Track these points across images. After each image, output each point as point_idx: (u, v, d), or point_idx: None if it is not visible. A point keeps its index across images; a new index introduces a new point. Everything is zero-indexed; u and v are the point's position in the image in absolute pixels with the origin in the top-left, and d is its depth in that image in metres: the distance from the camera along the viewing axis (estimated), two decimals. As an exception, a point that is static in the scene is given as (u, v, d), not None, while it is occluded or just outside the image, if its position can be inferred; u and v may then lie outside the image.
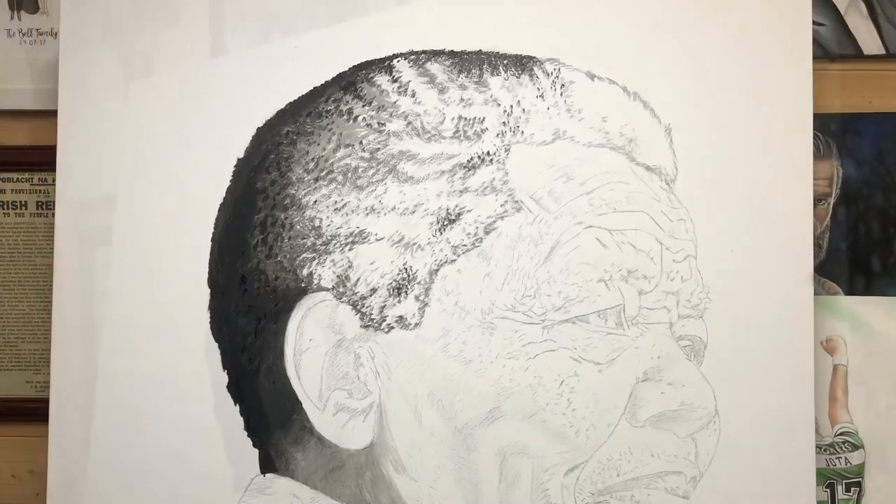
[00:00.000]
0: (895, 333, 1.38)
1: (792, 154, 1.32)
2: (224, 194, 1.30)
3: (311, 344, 1.21)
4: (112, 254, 1.32)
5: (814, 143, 1.33)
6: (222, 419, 1.29)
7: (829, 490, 1.37)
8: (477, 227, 1.20)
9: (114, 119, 1.34)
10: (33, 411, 1.39)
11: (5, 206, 1.43)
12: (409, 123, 1.23)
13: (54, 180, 1.33)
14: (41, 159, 1.39)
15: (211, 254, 1.30)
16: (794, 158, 1.32)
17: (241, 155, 1.30)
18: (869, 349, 1.38)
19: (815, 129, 1.33)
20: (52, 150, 1.34)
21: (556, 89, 1.27)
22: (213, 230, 1.30)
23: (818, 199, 1.37)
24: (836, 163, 1.39)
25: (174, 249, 1.31)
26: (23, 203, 1.43)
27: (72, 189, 1.33)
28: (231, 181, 1.30)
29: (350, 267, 1.21)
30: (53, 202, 1.35)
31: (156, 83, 1.34)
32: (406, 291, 1.19)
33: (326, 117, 1.26)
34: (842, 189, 1.39)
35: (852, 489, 1.37)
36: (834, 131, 1.39)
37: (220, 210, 1.30)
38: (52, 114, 1.35)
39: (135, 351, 1.31)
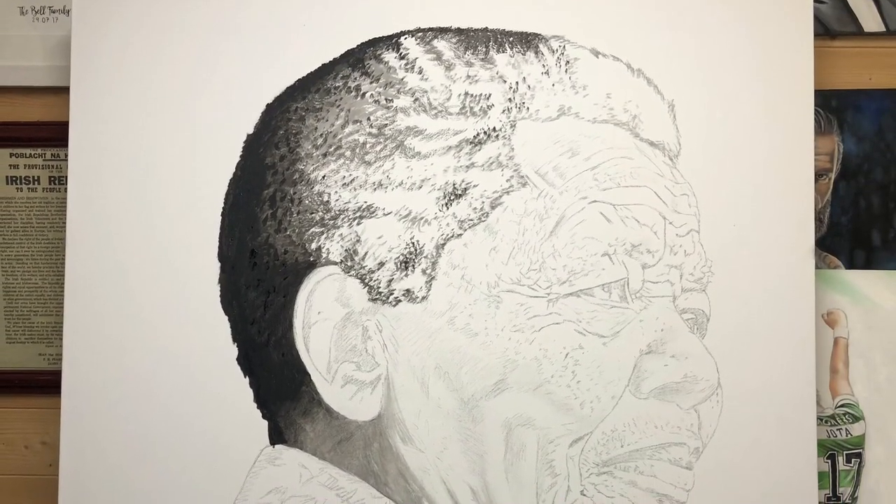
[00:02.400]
0: (894, 306, 1.39)
1: (793, 130, 1.33)
2: (234, 169, 1.31)
3: (320, 317, 1.22)
4: (123, 228, 1.33)
5: (815, 119, 1.34)
6: (232, 392, 1.29)
7: (830, 461, 1.38)
8: (483, 202, 1.22)
9: (124, 95, 1.34)
10: (46, 383, 1.40)
11: (18, 182, 1.44)
12: (416, 100, 1.25)
13: (66, 156, 1.34)
14: (53, 135, 1.40)
15: (221, 228, 1.31)
16: (796, 134, 1.33)
17: (251, 131, 1.31)
18: (869, 322, 1.39)
19: (816, 105, 1.34)
20: (64, 125, 1.35)
21: (561, 66, 1.28)
22: (223, 205, 1.31)
23: (819, 175, 1.38)
24: (837, 139, 1.40)
25: (184, 224, 1.32)
26: (35, 178, 1.43)
27: (84, 164, 1.34)
28: (241, 156, 1.30)
29: (358, 241, 1.22)
30: (66, 177, 1.36)
31: (166, 59, 1.34)
32: (413, 265, 1.21)
33: (335, 93, 1.27)
34: (842, 164, 1.40)
35: (853, 460, 1.39)
36: (835, 107, 1.39)
37: (229, 185, 1.31)
38: (64, 90, 1.36)
39: (145, 324, 1.32)
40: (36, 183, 1.44)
